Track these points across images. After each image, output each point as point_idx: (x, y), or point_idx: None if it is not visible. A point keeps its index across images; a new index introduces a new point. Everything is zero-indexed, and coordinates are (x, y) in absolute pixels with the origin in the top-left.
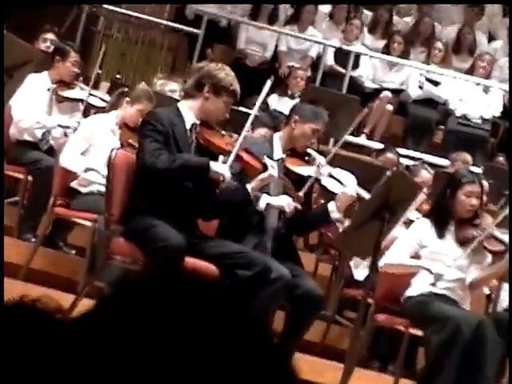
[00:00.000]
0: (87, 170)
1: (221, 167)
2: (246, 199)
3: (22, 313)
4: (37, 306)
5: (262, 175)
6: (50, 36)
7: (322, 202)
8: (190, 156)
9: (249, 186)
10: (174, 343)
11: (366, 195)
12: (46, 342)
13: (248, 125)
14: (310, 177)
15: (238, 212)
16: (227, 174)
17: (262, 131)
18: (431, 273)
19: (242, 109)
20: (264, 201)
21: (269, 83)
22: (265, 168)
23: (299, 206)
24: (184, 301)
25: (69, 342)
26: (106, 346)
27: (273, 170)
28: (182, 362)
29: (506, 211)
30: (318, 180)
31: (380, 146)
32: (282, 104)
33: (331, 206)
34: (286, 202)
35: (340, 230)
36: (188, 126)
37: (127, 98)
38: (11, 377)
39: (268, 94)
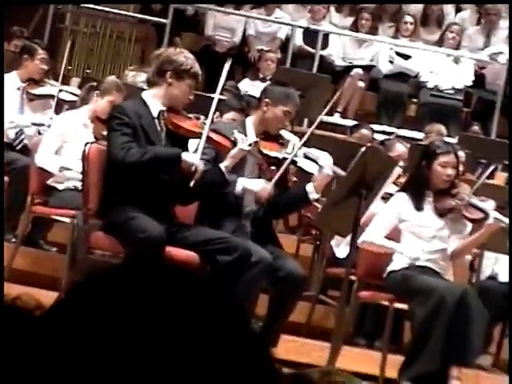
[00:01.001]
0: (62, 169)
1: (192, 157)
2: (221, 179)
3: (2, 311)
4: (16, 304)
5: (233, 151)
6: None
7: (297, 182)
8: (160, 148)
9: (222, 165)
10: (150, 331)
11: (343, 174)
12: (24, 338)
13: (214, 106)
14: (285, 159)
15: (215, 193)
16: (200, 164)
17: (231, 115)
18: (407, 255)
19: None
20: (240, 184)
21: (227, 65)
22: (235, 145)
23: (272, 190)
24: (162, 289)
25: (40, 334)
26: (78, 336)
27: (242, 143)
28: (158, 350)
29: (483, 179)
30: (293, 162)
31: (354, 123)
32: (254, 88)
33: (309, 186)
34: (261, 186)
35: (319, 210)
36: (155, 114)
37: (97, 91)
38: None
39: (239, 79)
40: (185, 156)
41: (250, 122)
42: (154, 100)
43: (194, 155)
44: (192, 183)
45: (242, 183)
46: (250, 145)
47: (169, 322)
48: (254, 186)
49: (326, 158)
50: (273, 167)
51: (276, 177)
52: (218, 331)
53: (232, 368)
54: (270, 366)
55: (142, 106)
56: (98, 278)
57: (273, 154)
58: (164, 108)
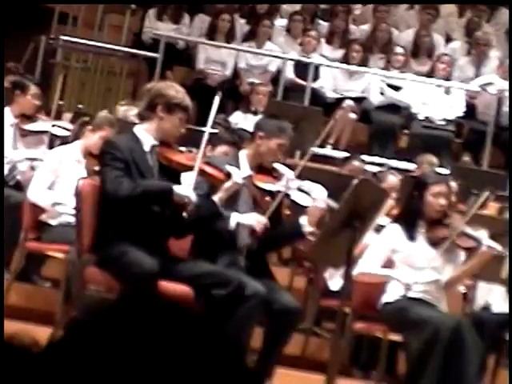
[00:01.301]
0: (54, 204)
1: (185, 190)
2: (215, 211)
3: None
4: (13, 342)
5: (227, 184)
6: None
7: (291, 215)
8: (152, 181)
9: (216, 198)
10: (147, 368)
11: (336, 205)
12: (22, 375)
13: (205, 139)
14: (278, 192)
15: (209, 226)
16: (192, 196)
17: (223, 149)
18: (403, 282)
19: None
20: (234, 219)
21: (217, 98)
22: (229, 178)
23: (267, 222)
24: (156, 325)
25: (39, 371)
26: (77, 371)
27: (236, 176)
28: None
29: (474, 209)
30: (287, 195)
31: (346, 155)
32: (245, 121)
33: (303, 220)
34: (255, 219)
35: (312, 243)
36: (147, 149)
37: (89, 127)
38: None
39: (230, 112)
40: (176, 189)
41: (244, 155)
42: (146, 134)
43: (185, 187)
44: (185, 214)
45: (236, 218)
46: (244, 178)
47: (164, 358)
48: (247, 220)
49: (319, 191)
50: (267, 198)
51: (270, 210)
52: (213, 366)
53: None
54: None
55: (134, 140)
56: (94, 315)
57: (267, 186)
58: (156, 142)
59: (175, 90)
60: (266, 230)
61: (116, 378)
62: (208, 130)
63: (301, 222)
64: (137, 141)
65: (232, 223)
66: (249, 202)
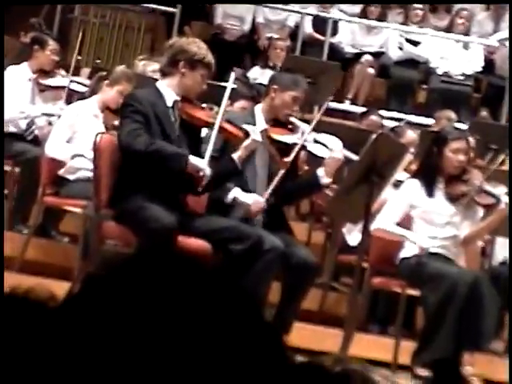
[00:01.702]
0: (74, 156)
1: (200, 162)
2: (235, 169)
3: (15, 303)
4: (29, 296)
5: (246, 142)
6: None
7: (309, 169)
8: (170, 145)
9: (235, 156)
10: (164, 323)
11: (354, 157)
12: (37, 330)
13: (226, 97)
14: (295, 144)
15: (227, 183)
16: (207, 170)
17: (241, 104)
18: (418, 245)
19: (222, 83)
20: (232, 194)
21: (233, 75)
22: (247, 136)
23: (264, 204)
24: (174, 280)
25: (56, 326)
26: (94, 326)
27: (255, 134)
28: (172, 341)
29: (493, 165)
30: (303, 147)
31: (364, 110)
32: (264, 76)
33: (320, 171)
34: (253, 200)
35: (330, 197)
36: (169, 104)
37: (106, 81)
38: (5, 366)
39: (249, 67)
40: (192, 159)
41: (259, 109)
42: (168, 90)
43: (201, 160)
44: (199, 189)
45: (235, 194)
46: (260, 132)
47: (182, 313)
48: (246, 198)
49: (335, 142)
50: (285, 159)
51: (276, 180)
52: (230, 320)
53: (245, 356)
54: (283, 353)
55: (157, 95)
56: (111, 270)
57: (283, 139)
58: (178, 98)
59: (197, 46)
60: (283, 183)
61: (132, 332)
62: (230, 85)
63: (318, 173)
64: (159, 96)
65: (230, 196)
66: (264, 158)
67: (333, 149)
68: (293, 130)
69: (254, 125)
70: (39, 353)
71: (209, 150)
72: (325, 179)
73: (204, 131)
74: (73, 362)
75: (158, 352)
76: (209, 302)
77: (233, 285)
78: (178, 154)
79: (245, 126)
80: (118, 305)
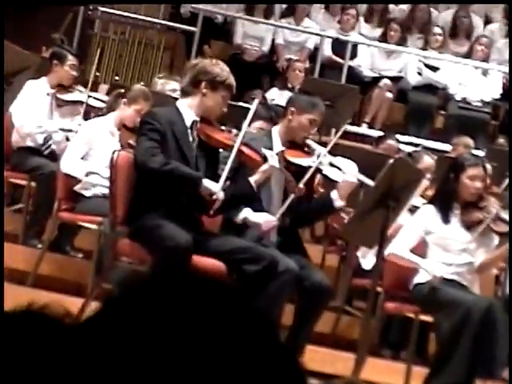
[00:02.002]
0: (88, 173)
1: (213, 185)
2: (251, 193)
3: (31, 319)
4: (45, 313)
5: (264, 167)
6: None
7: (324, 192)
8: (185, 166)
9: (252, 179)
10: (181, 343)
11: (369, 181)
12: (55, 348)
13: (247, 121)
14: (310, 167)
15: (243, 206)
16: (220, 194)
17: (259, 124)
18: (431, 274)
19: (240, 104)
20: (243, 214)
21: (255, 103)
22: (265, 161)
23: (276, 222)
24: (191, 301)
25: (76, 345)
26: (114, 348)
27: (273, 160)
28: (189, 362)
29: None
30: (319, 170)
31: (381, 134)
32: (282, 97)
33: (334, 194)
34: (264, 220)
35: (345, 221)
36: (188, 124)
37: (124, 99)
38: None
39: (267, 88)
40: (206, 183)
41: (276, 131)
42: (188, 109)
43: (215, 184)
44: (212, 212)
45: (245, 214)
46: (276, 154)
47: (200, 334)
48: (256, 218)
49: (351, 166)
50: (299, 184)
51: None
52: (248, 341)
53: (261, 377)
54: (301, 376)
55: (176, 114)
56: (131, 290)
57: (298, 161)
58: (197, 118)
59: (220, 68)
60: (298, 205)
61: (150, 354)
62: (248, 119)
63: (332, 196)
64: (179, 115)
65: (240, 217)
66: (280, 181)
67: (347, 172)
68: (309, 152)
69: (271, 147)
70: (54, 370)
71: (225, 174)
72: (338, 202)
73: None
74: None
75: (176, 374)
76: (226, 324)
77: (250, 305)
78: (191, 176)
79: (264, 151)
80: (137, 326)
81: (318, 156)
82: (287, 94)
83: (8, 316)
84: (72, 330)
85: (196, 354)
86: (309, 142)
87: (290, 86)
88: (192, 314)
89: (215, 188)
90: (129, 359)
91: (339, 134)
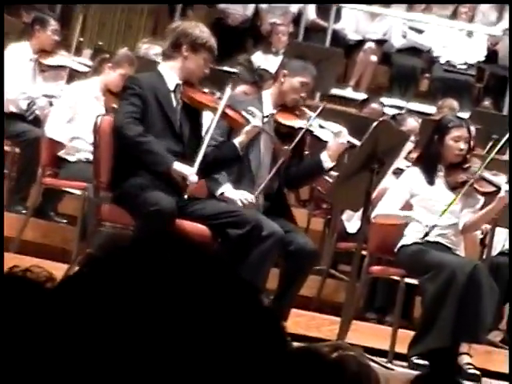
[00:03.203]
0: (73, 138)
1: (186, 169)
2: (235, 155)
3: (13, 283)
4: (27, 276)
5: (247, 127)
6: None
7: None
8: (157, 146)
9: (236, 141)
10: (163, 306)
11: (357, 142)
12: (35, 310)
13: (226, 94)
14: (301, 128)
15: (228, 168)
16: (192, 178)
17: (243, 88)
18: (423, 224)
19: (224, 68)
20: (221, 189)
21: (229, 89)
22: (248, 123)
23: (254, 201)
24: (173, 263)
25: (54, 306)
26: (93, 309)
27: (255, 120)
28: (170, 325)
29: (494, 153)
30: (309, 131)
31: (366, 97)
32: (266, 61)
33: (324, 155)
34: (240, 196)
35: (330, 184)
36: (171, 87)
37: (109, 64)
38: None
39: (251, 52)
40: (178, 166)
41: (268, 94)
42: (171, 73)
43: (188, 168)
44: (185, 196)
45: (224, 189)
46: (266, 116)
47: (180, 297)
48: (233, 194)
49: (340, 128)
50: (286, 147)
51: (266, 180)
52: (229, 305)
53: (244, 341)
54: (282, 339)
55: (159, 78)
56: (111, 252)
57: (289, 123)
58: (180, 81)
59: (200, 30)
60: (287, 167)
61: (130, 316)
62: (228, 90)
63: (321, 158)
64: (161, 79)
65: (218, 192)
66: (269, 144)
67: (337, 133)
68: (300, 115)
69: (261, 110)
70: (36, 333)
71: (200, 157)
72: (328, 163)
73: (206, 116)
74: (69, 344)
75: (156, 336)
76: (208, 288)
77: (231, 269)
78: (162, 158)
79: (244, 113)
80: (116, 287)
81: (309, 119)
82: (272, 58)
83: None
84: (52, 292)
85: (177, 319)
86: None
87: (274, 49)
88: (174, 278)
89: (188, 171)
90: (108, 321)
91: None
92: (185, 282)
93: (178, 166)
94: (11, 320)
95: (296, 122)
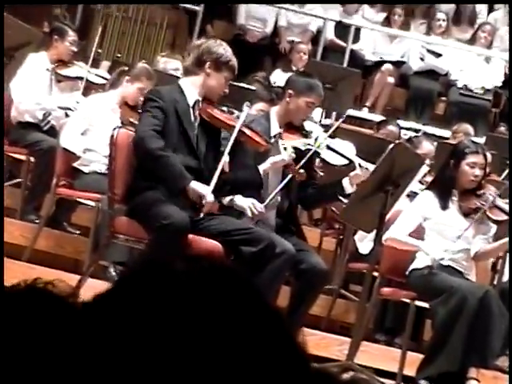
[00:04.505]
0: (86, 150)
1: (203, 188)
2: (258, 181)
3: (36, 296)
4: (48, 289)
5: (275, 159)
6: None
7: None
8: (176, 164)
9: (261, 168)
10: (186, 327)
11: (369, 166)
12: (59, 325)
13: (246, 108)
14: (307, 150)
15: (246, 191)
16: (209, 197)
17: (260, 106)
18: (430, 256)
19: (242, 84)
20: (230, 196)
21: (246, 109)
22: (267, 142)
23: (263, 210)
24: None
25: (81, 325)
26: (118, 330)
27: (285, 154)
28: (192, 344)
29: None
30: (317, 153)
31: (382, 118)
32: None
33: (345, 182)
34: (249, 204)
35: (344, 204)
36: (191, 103)
37: (127, 77)
38: (24, 359)
39: (269, 70)
40: (195, 185)
41: (274, 113)
42: (192, 88)
43: (205, 187)
44: (201, 215)
45: (233, 196)
46: (274, 136)
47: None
48: (242, 202)
49: (348, 148)
50: (295, 166)
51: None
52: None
53: (262, 355)
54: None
55: (179, 93)
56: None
57: (295, 144)
58: (200, 98)
59: (224, 49)
60: (302, 187)
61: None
62: (245, 110)
63: (344, 184)
64: (181, 93)
65: (227, 199)
66: (277, 169)
67: (355, 160)
68: (306, 135)
69: (269, 128)
70: (57, 348)
71: (216, 176)
72: (349, 189)
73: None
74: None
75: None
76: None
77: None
78: (180, 175)
79: (271, 141)
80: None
81: (316, 139)
82: None
83: (11, 292)
84: (76, 308)
85: (197, 337)
86: (306, 124)
87: (294, 68)
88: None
89: (205, 191)
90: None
91: (341, 119)
92: (217, 306)
93: (195, 185)
94: (34, 333)
95: (302, 143)
